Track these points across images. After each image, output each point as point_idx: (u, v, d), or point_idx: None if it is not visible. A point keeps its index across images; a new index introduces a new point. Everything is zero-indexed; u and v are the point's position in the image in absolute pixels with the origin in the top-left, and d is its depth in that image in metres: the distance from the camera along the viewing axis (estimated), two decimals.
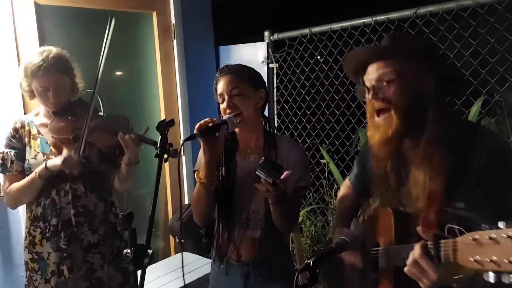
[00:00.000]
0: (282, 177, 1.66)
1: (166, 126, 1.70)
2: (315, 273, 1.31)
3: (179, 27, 3.80)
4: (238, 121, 1.88)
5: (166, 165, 3.75)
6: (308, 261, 1.32)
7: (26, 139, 2.32)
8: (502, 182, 1.35)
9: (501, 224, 0.99)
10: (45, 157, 2.27)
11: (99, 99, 2.35)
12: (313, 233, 3.75)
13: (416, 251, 1.23)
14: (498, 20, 2.45)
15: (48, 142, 2.32)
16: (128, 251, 1.47)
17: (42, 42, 3.00)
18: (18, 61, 2.87)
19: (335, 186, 3.57)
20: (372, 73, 1.48)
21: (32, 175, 2.24)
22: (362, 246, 1.65)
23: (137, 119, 2.32)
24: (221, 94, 1.92)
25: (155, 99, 3.81)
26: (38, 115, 2.39)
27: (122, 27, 3.57)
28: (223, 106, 1.92)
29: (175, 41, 3.80)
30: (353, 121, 3.32)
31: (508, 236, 0.96)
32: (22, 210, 2.88)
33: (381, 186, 1.59)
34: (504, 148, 1.45)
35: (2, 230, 2.90)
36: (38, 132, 2.34)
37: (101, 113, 2.39)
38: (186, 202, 3.94)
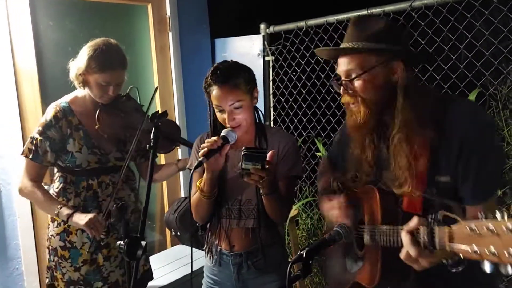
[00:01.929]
0: (268, 158, 1.67)
1: (159, 117, 1.71)
2: (308, 264, 1.32)
3: (175, 19, 3.80)
4: (238, 133, 1.86)
5: (162, 158, 3.75)
6: (301, 252, 1.33)
7: (68, 130, 2.27)
8: (482, 151, 1.37)
9: (498, 215, 0.98)
10: (89, 151, 2.27)
11: (138, 92, 2.45)
12: (309, 226, 3.76)
13: (411, 249, 1.21)
14: (493, 12, 2.46)
15: (90, 135, 2.30)
16: (122, 242, 1.48)
17: (36, 34, 2.99)
18: (12, 52, 2.86)
19: None
20: (340, 67, 1.52)
21: (54, 205, 2.21)
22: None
23: None
24: (219, 106, 1.88)
25: (151, 91, 3.79)
26: (76, 102, 2.34)
27: (117, 19, 3.57)
28: (223, 116, 1.89)
29: (170, 34, 3.79)
30: None
31: (508, 229, 0.95)
32: (16, 204, 2.89)
33: (362, 167, 1.61)
34: (480, 117, 1.46)
35: None
36: (79, 123, 2.30)
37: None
38: (182, 195, 3.94)
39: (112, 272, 2.38)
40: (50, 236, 2.37)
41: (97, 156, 2.30)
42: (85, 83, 2.26)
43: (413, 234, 1.22)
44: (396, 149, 1.46)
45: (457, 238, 1.09)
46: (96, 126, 2.27)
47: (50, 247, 2.38)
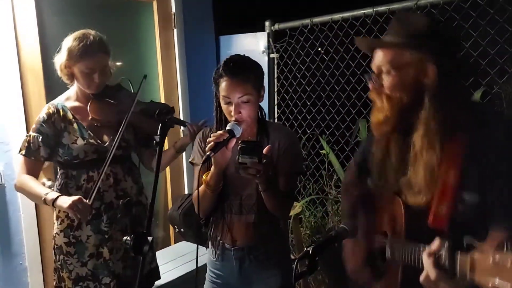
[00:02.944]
0: (264, 151, 1.70)
1: (166, 114, 1.72)
2: (314, 261, 1.32)
3: (180, 16, 3.79)
4: (242, 128, 1.88)
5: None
6: (308, 249, 1.33)
7: (62, 125, 2.30)
8: None
9: None
10: (85, 142, 2.29)
11: (130, 84, 2.47)
12: (312, 223, 3.76)
13: (431, 272, 1.18)
14: (498, 11, 2.46)
15: (85, 127, 2.33)
16: (128, 238, 1.48)
17: (41, 30, 2.99)
18: (17, 48, 2.86)
19: (335, 176, 3.58)
20: (374, 62, 1.49)
21: (41, 193, 2.19)
22: (368, 232, 1.64)
23: None
24: (227, 97, 1.89)
25: (155, 88, 3.80)
26: (69, 99, 2.38)
27: (122, 15, 3.57)
28: (229, 109, 1.90)
29: (175, 30, 3.78)
30: (353, 112, 3.32)
31: None
32: (21, 200, 2.89)
33: (386, 173, 1.57)
34: None
35: (0, 220, 2.89)
36: (73, 117, 2.33)
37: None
38: (186, 192, 3.95)
39: (118, 267, 2.38)
40: (54, 235, 2.37)
41: (94, 147, 2.31)
42: (71, 76, 2.31)
43: (435, 257, 1.18)
44: (417, 156, 1.42)
45: (479, 268, 1.05)
46: (89, 117, 2.31)
47: (55, 246, 2.38)
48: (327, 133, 3.57)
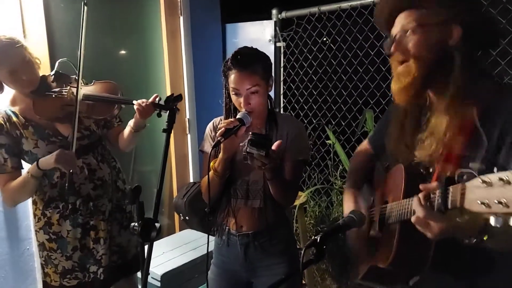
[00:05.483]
0: (273, 147, 1.74)
1: (174, 100, 1.71)
2: (322, 249, 1.32)
3: (186, 3, 3.77)
4: (252, 117, 1.91)
5: (172, 143, 3.74)
6: (316, 237, 1.33)
7: (17, 132, 2.17)
8: None
9: None
10: (46, 142, 2.19)
11: (71, 63, 2.32)
12: (317, 213, 3.77)
13: (418, 209, 1.18)
14: (510, 1, 2.43)
15: (42, 126, 2.22)
16: (136, 224, 1.48)
17: (47, 16, 2.98)
18: (24, 35, 2.85)
19: (340, 167, 3.57)
20: (396, 27, 1.46)
21: (25, 175, 2.16)
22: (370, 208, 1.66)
23: (143, 95, 2.31)
24: (237, 89, 1.93)
25: (161, 76, 3.80)
26: (15, 103, 2.25)
27: (128, 2, 3.55)
28: (239, 100, 1.94)
29: (181, 18, 3.77)
30: (360, 102, 3.31)
31: None
32: None
33: (397, 135, 1.55)
34: None
35: None
36: (26, 120, 2.20)
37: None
38: (191, 180, 3.95)
39: (105, 255, 2.33)
40: (35, 232, 2.33)
41: (57, 144, 2.22)
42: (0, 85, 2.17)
43: (427, 197, 1.18)
44: (439, 116, 1.40)
45: (469, 192, 1.03)
46: (37, 116, 2.19)
47: (38, 242, 2.34)
48: (333, 123, 3.56)
